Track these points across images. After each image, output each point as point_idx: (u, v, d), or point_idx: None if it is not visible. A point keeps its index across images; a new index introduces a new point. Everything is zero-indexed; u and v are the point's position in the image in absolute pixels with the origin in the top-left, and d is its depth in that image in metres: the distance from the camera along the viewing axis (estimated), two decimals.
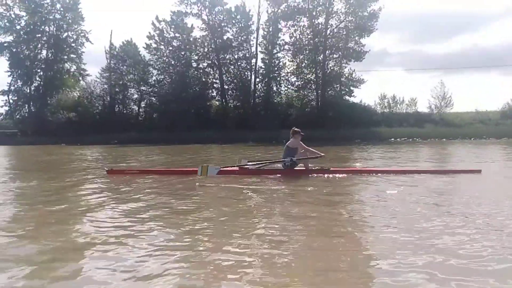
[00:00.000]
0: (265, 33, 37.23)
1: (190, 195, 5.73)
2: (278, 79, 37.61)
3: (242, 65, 37.97)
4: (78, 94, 38.86)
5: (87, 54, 46.65)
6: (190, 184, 6.74)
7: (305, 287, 2.29)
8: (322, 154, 7.69)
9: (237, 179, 7.03)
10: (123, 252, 2.92)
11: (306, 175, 7.43)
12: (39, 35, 39.57)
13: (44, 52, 40.53)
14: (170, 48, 38.47)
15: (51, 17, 39.32)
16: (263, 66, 37.82)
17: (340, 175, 7.30)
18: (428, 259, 2.63)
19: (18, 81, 40.00)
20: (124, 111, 39.03)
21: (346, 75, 35.78)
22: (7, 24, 39.09)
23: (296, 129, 7.88)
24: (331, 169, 7.66)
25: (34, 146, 30.12)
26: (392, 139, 29.77)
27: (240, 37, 37.67)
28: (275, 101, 37.47)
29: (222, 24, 38.01)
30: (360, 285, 2.35)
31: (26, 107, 39.64)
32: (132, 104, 39.67)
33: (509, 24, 75.64)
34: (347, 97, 36.11)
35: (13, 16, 38.97)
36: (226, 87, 38.46)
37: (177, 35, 38.45)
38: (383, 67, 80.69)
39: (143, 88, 39.13)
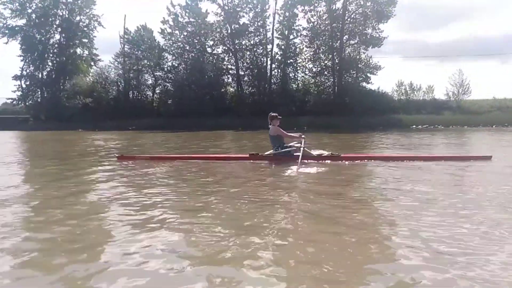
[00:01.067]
0: (282, 18, 36.73)
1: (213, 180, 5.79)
2: (295, 65, 37.22)
3: (258, 51, 37.48)
4: (92, 79, 38.34)
5: (99, 39, 46.20)
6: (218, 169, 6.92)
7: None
8: (302, 136, 7.75)
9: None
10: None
11: (318, 161, 7.44)
12: (51, 18, 38.91)
13: (56, 36, 40.02)
14: (185, 33, 37.94)
15: (63, 0, 38.57)
16: (279, 52, 37.44)
17: (352, 162, 7.35)
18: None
19: (31, 65, 39.48)
20: (139, 97, 38.66)
21: (364, 61, 35.45)
22: (18, 7, 38.39)
23: (273, 114, 7.92)
24: (342, 155, 7.71)
25: (50, 132, 29.91)
26: (414, 126, 29.61)
27: (256, 22, 37.09)
28: (291, 87, 37.11)
29: (238, 9, 37.35)
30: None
31: (39, 92, 39.16)
32: (146, 89, 39.25)
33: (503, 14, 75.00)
34: (364, 84, 35.85)
35: None
36: (241, 73, 38.05)
37: (191, 20, 37.87)
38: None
39: (158, 73, 38.72)
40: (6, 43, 39.17)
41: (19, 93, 39.57)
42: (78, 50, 40.51)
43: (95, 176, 6.44)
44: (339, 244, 2.82)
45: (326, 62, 36.47)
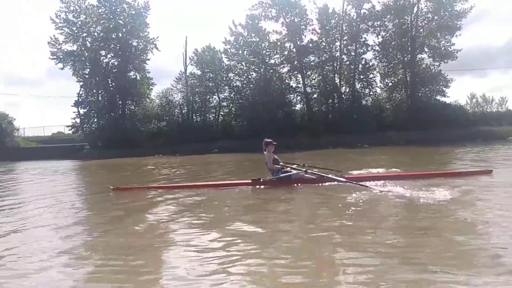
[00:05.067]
0: (350, 34, 36.20)
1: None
2: (365, 81, 36.49)
3: (326, 67, 36.78)
4: (158, 102, 37.12)
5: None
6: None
7: None
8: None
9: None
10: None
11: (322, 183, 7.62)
12: (109, 43, 37.76)
13: (113, 60, 38.68)
14: (249, 52, 37.13)
15: (122, 22, 37.56)
16: (349, 68, 36.74)
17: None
18: None
19: (88, 91, 37.99)
20: (206, 119, 37.38)
21: (436, 74, 35.00)
22: (75, 31, 37.21)
23: (267, 140, 8.00)
24: (345, 176, 7.86)
25: (134, 158, 28.24)
26: (511, 137, 28.84)
27: (323, 39, 36.52)
28: (363, 104, 36.34)
29: (302, 27, 36.87)
30: None
31: (103, 118, 37.53)
32: (212, 111, 38.05)
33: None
34: (438, 97, 35.28)
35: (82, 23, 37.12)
36: (309, 90, 37.22)
37: (255, 39, 37.19)
38: None
39: (224, 94, 37.74)
40: (62, 68, 37.73)
41: (78, 120, 37.75)
42: (132, 74, 39.12)
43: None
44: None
45: (398, 76, 35.99)
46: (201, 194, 7.36)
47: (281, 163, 8.08)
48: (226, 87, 38.18)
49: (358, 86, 36.68)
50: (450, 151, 17.72)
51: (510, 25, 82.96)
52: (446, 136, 28.85)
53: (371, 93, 36.70)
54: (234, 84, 37.94)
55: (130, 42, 38.24)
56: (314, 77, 37.62)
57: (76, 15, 37.18)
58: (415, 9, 35.21)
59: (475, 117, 34.69)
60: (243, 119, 36.65)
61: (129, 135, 33.84)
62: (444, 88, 35.03)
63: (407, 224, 4.49)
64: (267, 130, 32.74)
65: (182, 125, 35.62)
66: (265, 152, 7.97)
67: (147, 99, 37.49)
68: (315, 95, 37.43)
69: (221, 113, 38.13)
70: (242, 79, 37.98)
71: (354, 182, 6.98)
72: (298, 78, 37.71)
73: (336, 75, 36.77)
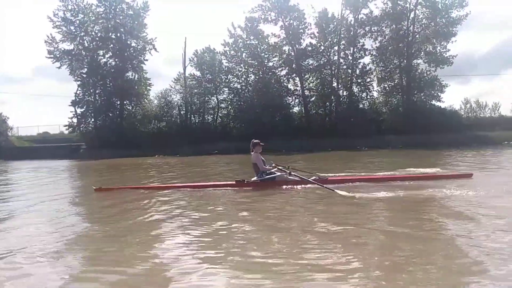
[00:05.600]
0: (347, 38, 36.69)
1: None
2: (362, 84, 36.98)
3: (324, 71, 37.19)
4: (157, 103, 37.09)
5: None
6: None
7: None
8: (273, 164, 8.11)
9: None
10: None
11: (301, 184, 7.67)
12: (107, 42, 37.61)
13: (111, 60, 38.54)
14: (248, 54, 37.39)
15: (120, 22, 37.45)
16: (346, 72, 37.21)
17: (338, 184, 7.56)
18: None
19: (85, 90, 37.76)
20: (205, 120, 37.46)
21: (432, 79, 35.63)
22: (73, 30, 37.00)
23: (255, 141, 8.06)
24: (329, 178, 7.99)
25: (132, 158, 28.14)
26: (506, 142, 29.49)
27: (321, 43, 36.94)
28: (360, 107, 36.81)
29: (300, 31, 37.23)
30: None
31: (100, 118, 37.33)
32: (211, 112, 38.13)
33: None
34: (433, 102, 35.95)
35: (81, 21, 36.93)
36: (307, 93, 37.55)
37: (254, 42, 37.45)
38: None
39: (223, 96, 37.93)
40: (59, 67, 37.43)
41: (75, 119, 37.49)
42: (130, 74, 39.00)
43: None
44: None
45: (394, 81, 36.59)
46: (183, 195, 7.33)
47: (267, 166, 8.06)
48: (225, 89, 38.41)
49: (355, 89, 37.19)
50: (451, 154, 18.13)
51: (493, 33, 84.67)
52: (442, 140, 29.33)
53: (368, 97, 37.20)
54: (233, 86, 38.08)
55: (128, 42, 38.18)
56: (312, 80, 37.98)
57: (74, 14, 37.02)
58: (412, 15, 35.88)
59: (469, 122, 35.40)
60: (242, 121, 36.80)
61: (127, 136, 33.73)
62: (439, 93, 35.66)
63: (380, 225, 4.54)
64: (265, 132, 33.16)
65: (181, 126, 35.65)
66: (252, 153, 7.97)
67: (145, 99, 37.37)
68: (313, 98, 37.73)
69: (219, 114, 38.23)
70: (240, 81, 38.19)
71: (330, 188, 6.83)
72: (296, 81, 38.06)
73: (334, 78, 37.18)
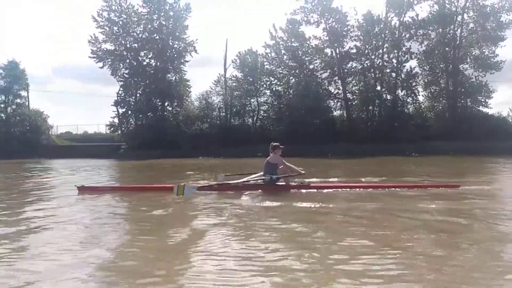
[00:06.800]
0: (392, 41, 35.97)
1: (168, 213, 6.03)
2: (408, 88, 36.12)
3: (368, 74, 36.53)
4: (198, 105, 37.17)
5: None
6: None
7: None
8: (303, 171, 7.97)
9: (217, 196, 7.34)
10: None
11: (287, 190, 7.74)
12: (150, 44, 37.89)
13: (152, 61, 38.82)
14: (289, 57, 37.06)
15: (164, 22, 37.71)
16: (390, 76, 36.48)
17: (321, 190, 7.65)
18: None
19: (130, 90, 38.10)
20: (247, 122, 37.36)
21: (479, 85, 34.63)
22: (117, 31, 37.44)
23: (275, 143, 8.12)
24: (311, 184, 8.11)
25: (176, 159, 27.92)
26: None
27: (366, 46, 36.31)
28: (405, 111, 35.98)
29: (343, 33, 36.70)
30: None
31: (141, 118, 37.61)
32: (251, 114, 37.97)
33: None
34: (481, 108, 34.93)
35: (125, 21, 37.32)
36: (349, 97, 36.99)
37: (295, 44, 37.10)
38: None
39: (263, 98, 37.66)
40: (102, 67, 37.89)
41: (116, 119, 37.83)
42: (171, 75, 39.22)
43: None
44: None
45: (440, 85, 35.71)
46: (168, 196, 7.20)
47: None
48: (267, 91, 38.15)
49: (400, 93, 36.31)
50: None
51: None
52: (492, 147, 28.28)
53: (413, 101, 36.30)
54: (275, 89, 37.80)
55: (170, 43, 38.39)
56: (355, 84, 37.35)
57: (117, 15, 37.42)
58: (459, 18, 35.00)
59: None
60: (281, 123, 36.42)
61: (169, 136, 33.73)
62: (486, 100, 34.65)
63: (365, 231, 4.60)
64: (306, 136, 32.78)
65: (222, 127, 35.54)
66: (271, 154, 7.99)
67: (187, 100, 37.44)
68: (355, 102, 37.11)
69: (259, 117, 37.98)
70: (281, 83, 37.87)
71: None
72: (337, 84, 37.50)
73: (377, 82, 36.48)
